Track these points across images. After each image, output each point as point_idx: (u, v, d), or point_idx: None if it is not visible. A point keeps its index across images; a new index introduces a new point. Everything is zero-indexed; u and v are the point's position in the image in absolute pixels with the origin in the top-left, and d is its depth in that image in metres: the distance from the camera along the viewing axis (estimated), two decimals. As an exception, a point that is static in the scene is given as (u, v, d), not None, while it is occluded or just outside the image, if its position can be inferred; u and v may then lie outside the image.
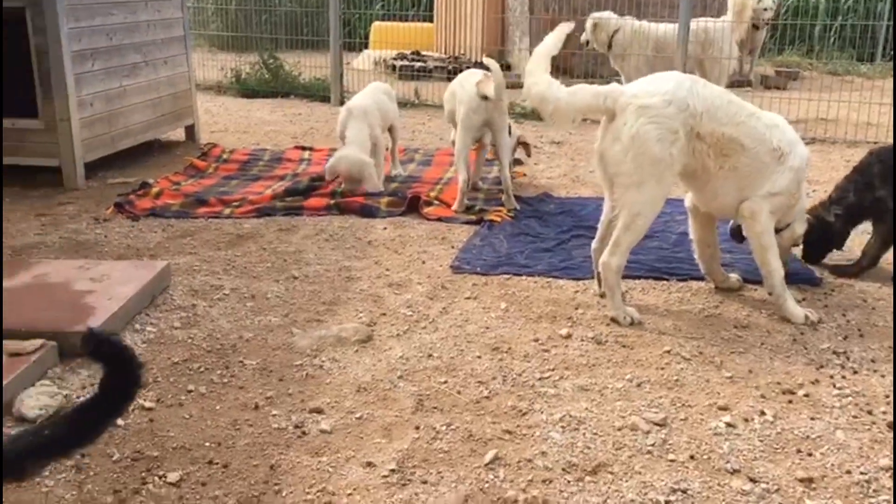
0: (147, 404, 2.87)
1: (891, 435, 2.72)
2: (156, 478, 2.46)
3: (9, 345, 3.02)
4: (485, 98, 4.97)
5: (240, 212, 5.14)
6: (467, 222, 5.02)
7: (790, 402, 2.94)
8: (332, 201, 5.28)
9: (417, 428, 2.76)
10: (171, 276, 3.96)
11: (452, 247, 4.60)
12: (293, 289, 3.99)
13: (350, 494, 2.41)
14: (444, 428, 2.76)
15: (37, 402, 2.76)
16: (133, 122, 6.25)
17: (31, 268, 3.83)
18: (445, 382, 3.07)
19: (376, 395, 2.99)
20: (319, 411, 2.87)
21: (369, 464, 2.55)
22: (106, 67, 5.87)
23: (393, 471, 2.51)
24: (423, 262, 4.36)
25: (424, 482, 2.47)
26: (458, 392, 3.01)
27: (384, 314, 3.70)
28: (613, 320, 3.58)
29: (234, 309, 3.71)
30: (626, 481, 2.47)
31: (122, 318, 3.43)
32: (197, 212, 5.11)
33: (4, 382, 2.79)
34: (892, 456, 2.59)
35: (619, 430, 2.74)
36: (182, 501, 2.36)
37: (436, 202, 5.34)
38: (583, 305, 3.78)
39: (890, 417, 2.83)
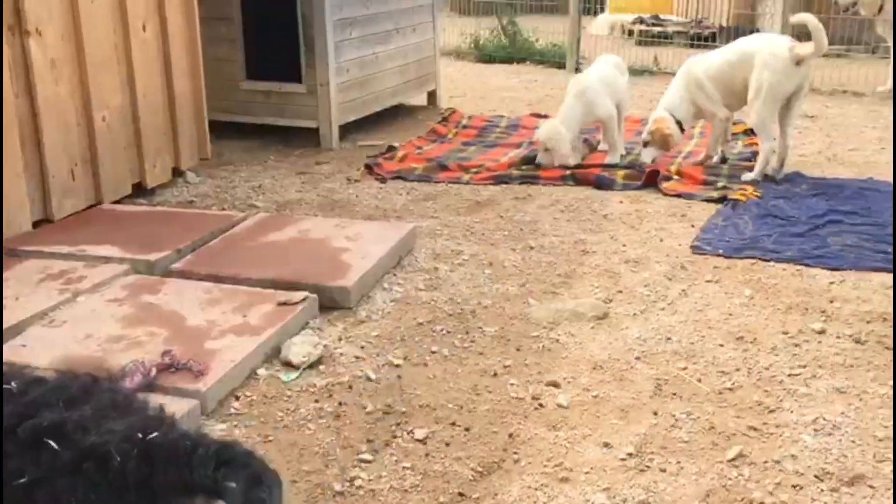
0: (396, 361, 3.06)
1: None
2: (405, 433, 2.63)
3: (278, 295, 3.34)
4: (799, 63, 4.77)
5: (478, 178, 5.28)
6: (708, 200, 4.82)
7: None
8: (568, 172, 5.27)
9: (655, 413, 2.72)
10: (416, 239, 4.17)
11: (692, 225, 4.44)
12: (529, 258, 4.05)
13: (587, 473, 2.43)
14: (683, 416, 2.70)
15: (301, 349, 3.03)
16: (382, 87, 6.58)
17: (296, 223, 4.19)
18: (685, 368, 3.00)
19: (612, 374, 2.99)
20: (556, 385, 2.92)
21: (606, 444, 2.56)
22: (362, 35, 6.21)
23: (630, 454, 2.50)
24: (661, 240, 4.25)
25: (663, 470, 2.43)
26: (699, 380, 2.92)
27: (620, 291, 3.66)
28: None
29: (473, 275, 3.84)
30: (889, 499, 2.29)
31: (373, 277, 3.67)
32: (438, 176, 5.31)
33: (273, 330, 3.10)
34: None
35: (881, 440, 2.54)
36: (428, 458, 2.51)
37: (675, 177, 5.16)
38: (839, 299, 3.51)
39: None
